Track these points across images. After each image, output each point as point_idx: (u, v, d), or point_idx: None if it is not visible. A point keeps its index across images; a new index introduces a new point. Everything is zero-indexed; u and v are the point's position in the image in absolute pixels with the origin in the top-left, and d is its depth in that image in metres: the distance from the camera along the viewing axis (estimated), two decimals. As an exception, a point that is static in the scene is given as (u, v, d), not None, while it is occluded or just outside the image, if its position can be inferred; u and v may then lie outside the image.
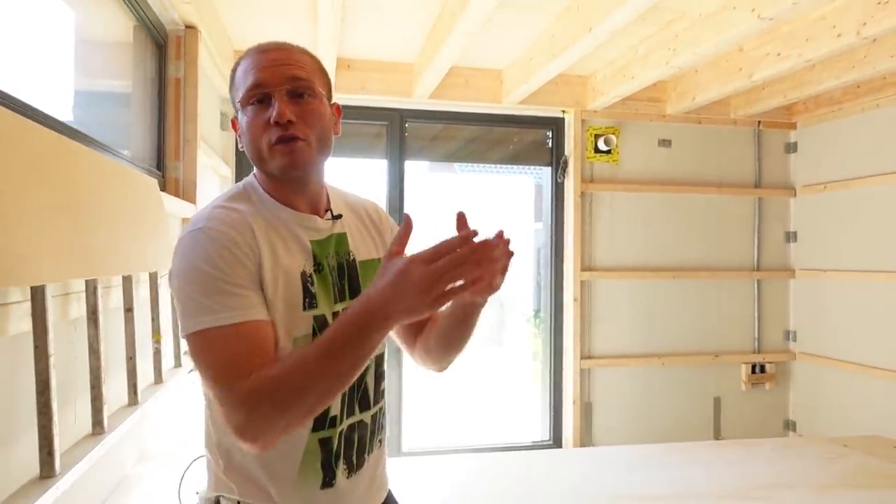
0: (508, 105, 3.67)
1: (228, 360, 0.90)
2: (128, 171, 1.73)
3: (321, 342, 0.88)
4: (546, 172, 4.00)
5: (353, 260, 1.11)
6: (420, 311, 0.84)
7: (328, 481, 1.06)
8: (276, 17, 2.91)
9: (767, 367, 4.05)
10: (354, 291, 1.10)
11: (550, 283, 3.95)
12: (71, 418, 1.41)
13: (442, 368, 1.24)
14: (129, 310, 1.65)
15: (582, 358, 3.82)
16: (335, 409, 1.06)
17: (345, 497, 1.09)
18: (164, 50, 2.43)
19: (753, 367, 4.04)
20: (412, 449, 3.73)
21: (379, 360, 1.16)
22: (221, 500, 1.04)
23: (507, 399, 5.19)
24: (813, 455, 2.67)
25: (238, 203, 1.02)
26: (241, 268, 0.95)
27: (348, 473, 1.09)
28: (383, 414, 1.19)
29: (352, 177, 4.12)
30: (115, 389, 1.61)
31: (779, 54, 2.92)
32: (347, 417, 1.08)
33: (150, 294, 1.90)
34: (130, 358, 1.65)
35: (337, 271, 1.08)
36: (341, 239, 1.10)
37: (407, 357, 1.25)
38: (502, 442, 3.98)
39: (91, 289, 1.41)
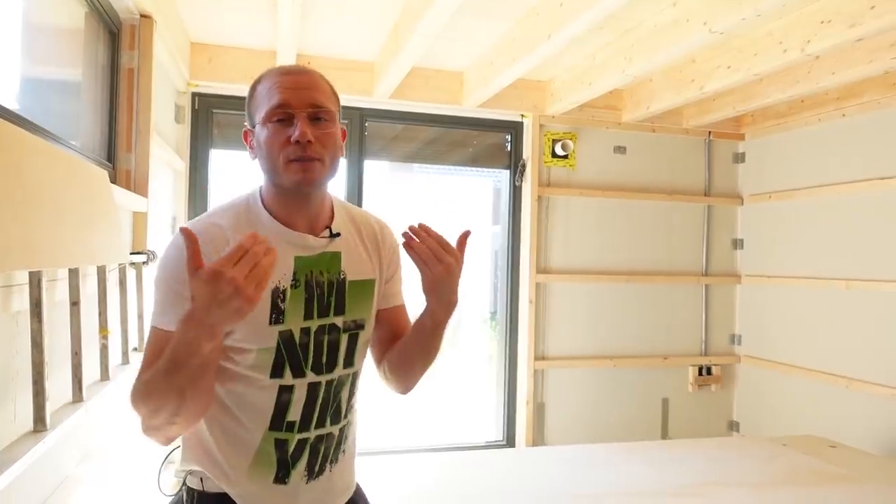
0: (468, 107, 3.70)
1: (150, 360, 1.00)
2: (76, 162, 1.68)
3: (164, 358, 0.93)
4: (504, 175, 4.05)
5: (344, 279, 1.17)
6: (227, 314, 0.88)
7: (281, 477, 1.13)
8: (234, 10, 2.87)
9: (713, 369, 4.19)
10: (340, 309, 1.16)
11: (507, 286, 3.99)
12: (10, 415, 1.36)
13: (406, 389, 1.33)
14: (74, 303, 1.61)
15: (536, 359, 3.88)
16: (294, 416, 1.12)
17: (297, 497, 1.15)
18: (117, 38, 2.36)
19: (700, 369, 4.17)
20: (367, 449, 3.71)
21: (354, 378, 1.22)
22: (190, 474, 1.14)
23: (461, 400, 5.22)
24: (753, 454, 2.77)
25: (226, 218, 1.11)
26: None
27: (307, 479, 1.16)
28: (350, 425, 1.26)
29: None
30: (58, 385, 1.56)
31: (729, 67, 3.03)
32: (316, 428, 1.15)
33: (98, 288, 1.85)
34: (76, 353, 1.60)
35: (326, 287, 1.14)
36: (335, 258, 1.16)
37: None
38: (456, 442, 4.00)
39: (35, 281, 1.37)
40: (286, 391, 1.11)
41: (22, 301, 1.38)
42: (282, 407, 1.12)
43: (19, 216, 1.21)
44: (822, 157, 3.70)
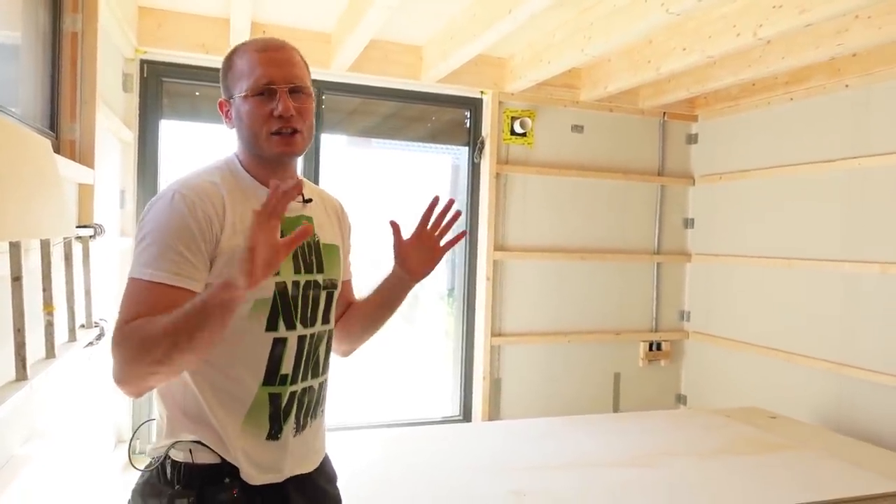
0: (428, 83, 3.67)
1: (133, 309, 1.01)
2: (15, 129, 1.59)
3: (188, 313, 0.95)
4: (463, 152, 4.04)
5: (318, 241, 1.26)
6: (243, 285, 0.94)
7: (274, 434, 1.17)
8: (185, -25, 2.75)
9: (663, 345, 4.33)
10: (320, 268, 1.24)
11: (465, 263, 4.01)
12: (-51, 394, 1.30)
13: (349, 351, 1.44)
14: (16, 279, 1.54)
15: (492, 335, 3.93)
16: (286, 369, 1.17)
17: (287, 452, 1.18)
18: (59, 0, 2.24)
19: (650, 344, 4.30)
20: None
21: (329, 334, 1.29)
22: (177, 444, 1.12)
23: (418, 376, 5.26)
24: (698, 425, 2.89)
25: (217, 177, 1.16)
26: (197, 237, 1.06)
27: (296, 432, 1.20)
28: (326, 383, 1.30)
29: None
30: (1, 363, 1.50)
31: (684, 49, 3.08)
32: (301, 381, 1.20)
33: (42, 263, 1.78)
34: (19, 330, 1.54)
35: (306, 247, 1.22)
36: (308, 221, 1.23)
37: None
38: (414, 417, 4.03)
39: (-27, 255, 1.30)
40: (280, 343, 1.16)
41: (-41, 275, 1.31)
42: (275, 360, 1.16)
43: (-45, 186, 1.15)
44: (770, 139, 3.82)
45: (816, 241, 3.49)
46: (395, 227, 1.30)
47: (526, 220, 4.01)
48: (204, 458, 1.12)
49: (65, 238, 1.99)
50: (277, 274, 1.12)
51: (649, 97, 4.06)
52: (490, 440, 2.72)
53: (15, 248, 1.54)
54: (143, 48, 3.21)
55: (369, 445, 2.62)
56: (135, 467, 1.23)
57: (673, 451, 2.54)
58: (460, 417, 4.02)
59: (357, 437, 2.81)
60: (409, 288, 1.34)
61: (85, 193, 2.37)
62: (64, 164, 1.99)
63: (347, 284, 1.41)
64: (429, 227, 1.31)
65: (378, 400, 4.62)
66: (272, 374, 1.16)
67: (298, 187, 0.97)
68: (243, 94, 1.15)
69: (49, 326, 1.79)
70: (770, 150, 3.81)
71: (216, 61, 3.35)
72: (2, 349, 1.53)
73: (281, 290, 1.15)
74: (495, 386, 3.96)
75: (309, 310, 1.21)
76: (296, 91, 1.17)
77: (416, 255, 1.31)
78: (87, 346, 2.17)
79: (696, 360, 4.34)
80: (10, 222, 1.39)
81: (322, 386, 1.27)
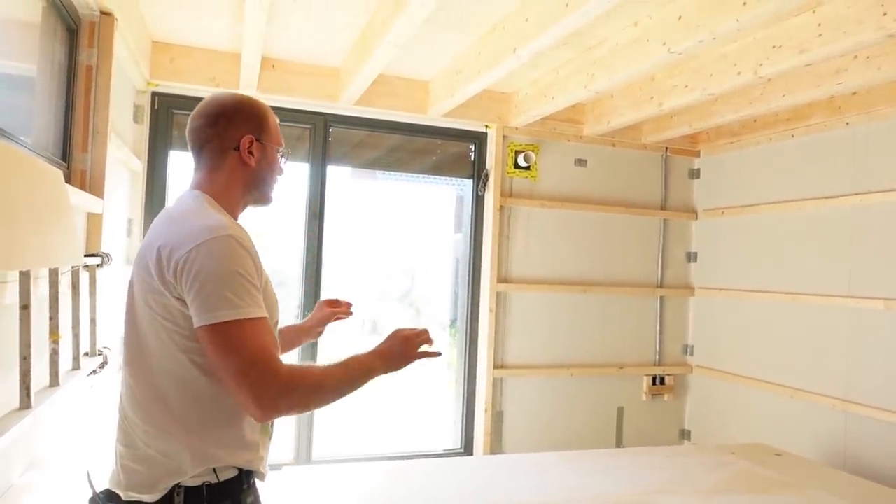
0: (433, 116, 3.73)
1: (264, 346, 1.16)
2: (29, 160, 1.63)
3: (343, 368, 1.27)
4: (468, 184, 4.08)
5: None
6: (403, 364, 1.37)
7: (271, 433, 1.42)
8: (199, 11, 2.83)
9: (667, 379, 4.30)
10: None
11: (468, 294, 4.02)
12: (-46, 422, 1.31)
13: None
14: (25, 307, 1.56)
15: (495, 367, 3.91)
16: None
17: (267, 444, 1.41)
18: (76, 35, 2.31)
19: (654, 378, 4.27)
20: (323, 457, 3.68)
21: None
22: (185, 480, 1.21)
23: (420, 407, 5.22)
24: (702, 462, 2.86)
25: (231, 219, 1.30)
26: (258, 275, 1.23)
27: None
28: None
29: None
30: (5, 391, 1.51)
31: (686, 86, 3.13)
32: None
33: (50, 291, 1.80)
34: (25, 358, 1.55)
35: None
36: None
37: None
38: (414, 450, 4.00)
39: (-16, 284, 1.32)
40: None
41: (-31, 304, 1.33)
42: None
43: (-30, 217, 1.18)
44: (772, 175, 3.85)
45: (820, 277, 3.50)
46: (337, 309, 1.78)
47: (529, 253, 4.03)
48: (227, 474, 1.25)
49: (73, 267, 2.01)
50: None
51: (652, 132, 4.11)
52: (492, 475, 2.69)
53: (25, 277, 1.56)
54: (154, 81, 3.28)
55: (369, 478, 2.59)
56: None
57: (676, 488, 2.51)
58: (462, 450, 3.98)
59: (357, 469, 2.79)
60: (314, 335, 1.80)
61: (94, 222, 2.40)
62: (74, 194, 2.02)
63: None
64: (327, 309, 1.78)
65: (379, 432, 4.58)
66: None
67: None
68: (279, 151, 1.43)
69: (54, 354, 1.80)
70: (772, 185, 3.84)
71: (226, 94, 3.42)
72: (7, 377, 1.54)
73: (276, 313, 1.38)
74: (497, 418, 3.93)
75: None
76: None
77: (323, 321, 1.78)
78: (90, 374, 2.18)
79: (700, 395, 4.31)
80: (22, 251, 1.41)
81: None
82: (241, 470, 1.27)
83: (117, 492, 1.23)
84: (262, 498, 1.38)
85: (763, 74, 2.74)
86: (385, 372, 1.33)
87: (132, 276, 1.27)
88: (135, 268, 1.27)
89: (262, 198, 1.42)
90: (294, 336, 1.72)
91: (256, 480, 1.33)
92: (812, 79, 2.94)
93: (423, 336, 1.40)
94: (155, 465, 1.20)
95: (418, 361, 1.38)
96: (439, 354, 1.42)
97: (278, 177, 1.44)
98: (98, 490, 1.26)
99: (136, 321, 1.25)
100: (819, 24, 2.44)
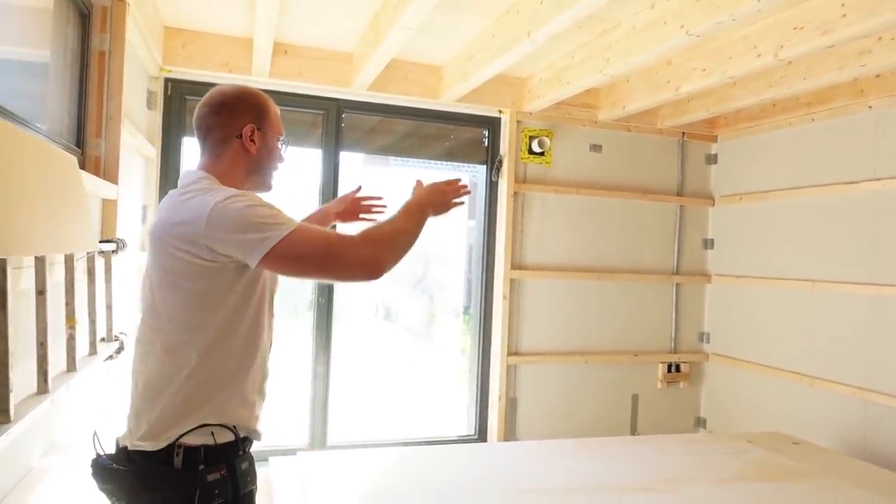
0: (447, 102, 3.69)
1: (322, 233, 1.36)
2: (44, 146, 1.63)
3: (402, 216, 1.44)
4: (481, 171, 4.05)
5: None
6: (443, 210, 1.56)
7: (265, 397, 1.47)
8: (211, -4, 2.81)
9: (682, 366, 4.27)
10: None
11: (481, 281, 4.01)
12: (-28, 406, 1.32)
13: None
14: (41, 292, 1.56)
15: (509, 354, 3.90)
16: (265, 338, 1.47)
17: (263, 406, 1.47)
18: (88, 21, 2.30)
19: (669, 366, 4.24)
20: (338, 442, 3.70)
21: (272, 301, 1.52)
22: (189, 434, 1.29)
23: (434, 394, 5.23)
24: (718, 450, 2.84)
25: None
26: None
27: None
28: None
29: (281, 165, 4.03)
30: (23, 376, 1.52)
31: (704, 70, 3.07)
32: (269, 351, 1.49)
33: (66, 277, 1.80)
34: (42, 343, 1.56)
35: None
36: None
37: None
38: (428, 436, 4.01)
39: (-1, 269, 1.33)
40: (271, 317, 1.49)
41: (-15, 289, 1.34)
42: (268, 330, 1.47)
43: (-16, 202, 1.18)
44: (791, 160, 3.78)
45: (840, 264, 3.44)
46: (356, 190, 1.95)
47: (543, 239, 4.00)
48: (224, 437, 1.32)
49: (88, 252, 2.02)
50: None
51: (668, 117, 4.05)
52: (506, 461, 2.69)
53: (40, 263, 1.57)
54: (167, 67, 3.27)
55: (382, 464, 2.60)
56: (116, 467, 1.29)
57: (692, 476, 2.50)
58: (475, 437, 3.99)
59: (370, 455, 2.80)
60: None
61: (108, 208, 2.41)
62: (89, 180, 2.02)
63: None
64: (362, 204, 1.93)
65: (393, 418, 4.61)
66: (270, 344, 1.48)
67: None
68: (279, 139, 1.52)
69: (71, 340, 1.81)
70: (792, 170, 3.77)
71: (239, 80, 3.42)
72: (25, 362, 1.55)
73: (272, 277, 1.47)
74: (511, 405, 3.93)
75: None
76: None
77: (348, 212, 1.92)
78: (106, 359, 2.19)
79: (716, 383, 4.28)
80: (36, 237, 1.41)
81: None
82: (237, 436, 1.34)
83: (125, 443, 1.32)
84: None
85: (784, 56, 2.68)
86: (433, 214, 1.51)
87: (149, 245, 1.40)
88: (150, 242, 1.39)
89: (262, 184, 1.52)
90: (319, 221, 1.88)
91: (253, 441, 1.42)
92: (835, 61, 2.87)
93: (453, 185, 1.58)
94: (161, 418, 1.29)
95: (454, 202, 1.57)
96: (468, 192, 1.60)
97: (278, 164, 1.53)
98: (104, 452, 1.34)
99: (153, 285, 1.36)
100: (843, 5, 2.37)
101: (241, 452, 1.36)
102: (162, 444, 1.28)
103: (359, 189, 1.94)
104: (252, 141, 1.46)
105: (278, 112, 1.54)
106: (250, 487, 1.38)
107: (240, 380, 1.37)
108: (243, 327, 1.35)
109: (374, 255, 1.31)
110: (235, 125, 1.45)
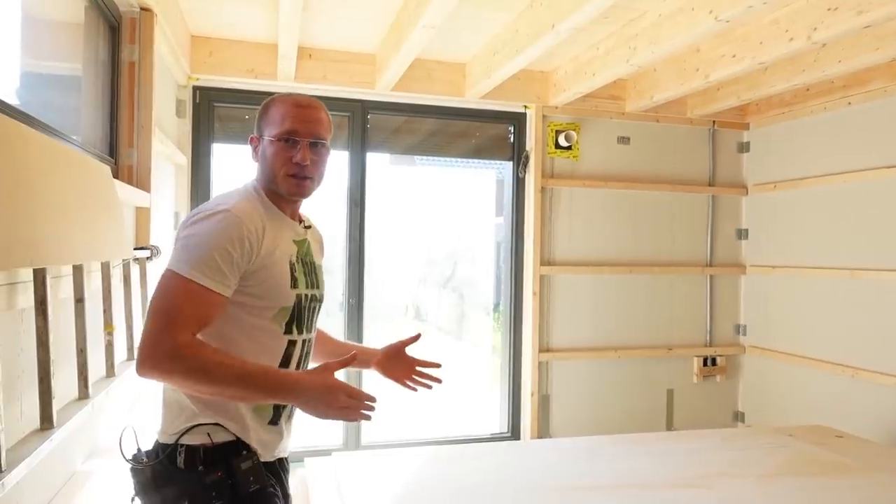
0: (471, 99, 3.68)
1: (182, 311, 1.19)
2: (79, 157, 1.67)
3: (246, 368, 1.21)
4: (508, 167, 4.03)
5: (313, 261, 1.49)
6: (317, 412, 1.23)
7: (274, 420, 1.37)
8: (235, 2, 2.84)
9: (718, 359, 4.18)
10: (317, 285, 1.48)
11: (511, 278, 3.98)
12: (17, 413, 1.36)
13: None
14: (79, 300, 1.60)
15: (540, 351, 3.87)
16: (292, 366, 1.39)
17: (281, 436, 1.41)
18: (117, 32, 2.35)
19: (705, 360, 4.16)
20: (372, 442, 3.72)
21: (313, 341, 1.49)
22: (197, 427, 1.28)
23: (466, 392, 5.23)
24: (759, 444, 2.77)
25: (257, 201, 1.38)
26: (240, 255, 1.25)
27: (287, 419, 1.43)
28: None
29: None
30: (64, 383, 1.55)
31: (734, 56, 3.00)
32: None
33: (103, 284, 1.84)
34: (81, 350, 1.60)
35: (308, 266, 1.45)
36: (307, 244, 1.48)
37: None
38: (461, 434, 4.01)
39: (39, 279, 1.36)
40: (292, 345, 1.39)
41: (27, 298, 1.37)
42: (287, 358, 1.38)
43: (22, 213, 1.21)
44: (827, 146, 3.68)
45: (882, 251, 3.33)
46: (414, 338, 1.63)
47: (572, 234, 3.96)
48: (222, 437, 1.29)
49: (123, 260, 2.06)
50: (296, 287, 1.37)
51: (698, 106, 3.97)
52: (539, 459, 2.67)
53: (78, 271, 1.60)
54: (195, 75, 3.32)
55: (416, 463, 2.60)
56: (134, 463, 1.30)
57: (731, 471, 2.44)
58: (509, 435, 3.97)
59: (404, 454, 2.80)
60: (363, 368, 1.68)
61: (142, 216, 2.46)
62: (122, 189, 2.06)
63: None
64: (416, 368, 1.65)
65: (425, 417, 4.61)
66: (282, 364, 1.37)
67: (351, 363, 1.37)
68: (271, 138, 1.38)
69: (109, 346, 1.85)
70: (828, 156, 3.66)
71: (265, 85, 3.45)
72: (65, 369, 1.58)
73: (299, 300, 1.38)
74: (544, 402, 3.90)
75: (309, 319, 1.43)
76: (315, 145, 1.39)
77: (393, 364, 1.64)
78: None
79: (754, 376, 4.18)
80: (73, 246, 1.44)
81: None
82: (238, 438, 1.31)
83: (155, 438, 1.35)
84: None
85: (817, 39, 2.60)
86: (300, 405, 1.23)
87: None
88: None
89: (277, 189, 1.39)
90: (337, 350, 1.61)
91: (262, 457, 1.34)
92: (871, 41, 2.78)
93: (353, 400, 1.24)
94: (169, 411, 1.32)
95: (338, 417, 1.24)
96: (368, 418, 1.26)
97: (285, 166, 1.36)
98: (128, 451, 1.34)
99: None
100: (879, -18, 2.29)
101: (244, 452, 1.30)
102: (168, 440, 1.29)
103: (417, 337, 1.62)
104: (255, 151, 1.43)
105: (285, 110, 1.38)
106: (255, 487, 1.29)
107: None
108: (242, 339, 1.30)
109: (160, 363, 1.15)
110: (249, 142, 1.45)
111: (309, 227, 1.52)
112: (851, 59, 2.89)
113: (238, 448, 1.30)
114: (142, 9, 2.36)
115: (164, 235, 2.90)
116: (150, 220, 2.47)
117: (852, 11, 2.39)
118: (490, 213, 4.54)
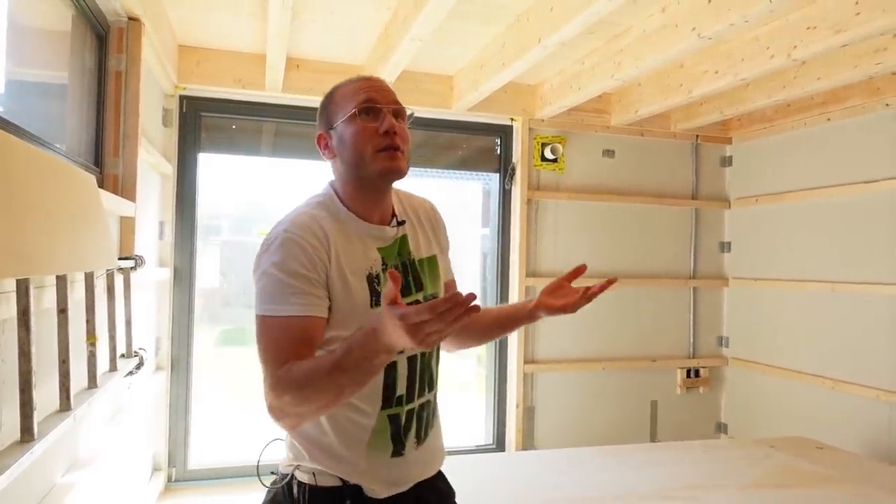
0: (458, 111, 3.71)
1: (276, 346, 1.08)
2: (64, 166, 1.66)
3: (334, 356, 1.01)
4: (494, 179, 4.05)
5: (413, 259, 1.29)
6: (410, 348, 0.95)
7: (398, 451, 1.23)
8: (223, 13, 2.85)
9: (701, 371, 4.22)
10: (419, 286, 1.28)
11: (497, 288, 4.00)
12: (-3, 425, 1.34)
13: (455, 351, 1.50)
14: (62, 311, 1.58)
15: (525, 362, 3.88)
16: (401, 390, 1.22)
17: (411, 465, 1.26)
18: (104, 42, 2.34)
19: (688, 371, 4.20)
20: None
21: (439, 346, 1.33)
22: (297, 469, 1.20)
23: (451, 403, 5.22)
24: (741, 456, 2.80)
25: (320, 210, 1.21)
26: (309, 270, 1.12)
27: (417, 444, 1.26)
28: (439, 391, 1.36)
29: (297, 179, 4.06)
30: (46, 394, 1.54)
31: (716, 72, 3.06)
32: (417, 398, 1.25)
33: (86, 295, 1.83)
34: (63, 361, 1.58)
35: (402, 269, 1.25)
36: (404, 241, 1.28)
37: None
38: (446, 446, 3.99)
39: (22, 289, 1.35)
40: (391, 368, 1.20)
41: (9, 309, 1.36)
42: (390, 384, 1.21)
43: (5, 222, 1.20)
44: (807, 160, 3.74)
45: (861, 264, 3.39)
46: (580, 269, 1.49)
47: (557, 246, 3.98)
48: (326, 481, 1.18)
49: (107, 270, 2.04)
50: (380, 304, 1.08)
51: (681, 120, 4.03)
52: (523, 470, 2.67)
53: (62, 281, 1.59)
54: (182, 85, 3.31)
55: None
56: (263, 484, 1.26)
57: (715, 482, 2.46)
58: (494, 446, 3.97)
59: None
60: (533, 321, 1.47)
61: (126, 226, 2.44)
62: (107, 198, 2.05)
63: (451, 284, 1.42)
64: (579, 295, 1.49)
65: (411, 428, 4.60)
66: (389, 398, 1.21)
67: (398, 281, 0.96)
68: (349, 115, 1.20)
69: (91, 357, 1.83)
70: (808, 171, 3.73)
71: (252, 95, 3.45)
72: (47, 380, 1.57)
73: None
74: (529, 414, 3.90)
75: None
76: (397, 114, 1.23)
77: (556, 298, 1.49)
78: (127, 375, 2.21)
79: (736, 388, 4.22)
80: (57, 256, 1.43)
81: (436, 396, 1.33)
82: (344, 482, 1.19)
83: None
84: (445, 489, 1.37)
85: (797, 57, 2.65)
86: (382, 347, 0.97)
87: None
88: None
89: (368, 173, 1.20)
90: (504, 320, 1.46)
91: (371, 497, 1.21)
92: (849, 59, 2.84)
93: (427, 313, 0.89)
94: (285, 448, 1.26)
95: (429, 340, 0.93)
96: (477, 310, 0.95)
97: (373, 142, 1.19)
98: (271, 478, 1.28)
99: None
100: (856, 3, 2.35)
101: (346, 501, 1.19)
102: (286, 471, 1.22)
103: (583, 269, 1.52)
104: (328, 148, 1.26)
105: (355, 86, 1.24)
106: None
107: (322, 430, 1.20)
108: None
109: (272, 403, 1.06)
110: (317, 142, 1.29)
111: (403, 222, 1.29)
112: (830, 76, 2.95)
113: (341, 495, 1.18)
114: (129, 18, 2.36)
115: (148, 245, 2.88)
116: (135, 230, 2.46)
117: (830, 31, 2.45)
118: (476, 224, 4.55)
